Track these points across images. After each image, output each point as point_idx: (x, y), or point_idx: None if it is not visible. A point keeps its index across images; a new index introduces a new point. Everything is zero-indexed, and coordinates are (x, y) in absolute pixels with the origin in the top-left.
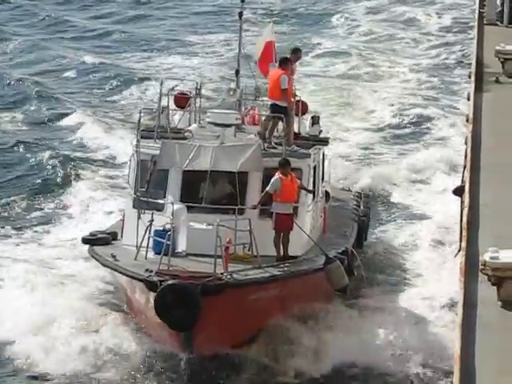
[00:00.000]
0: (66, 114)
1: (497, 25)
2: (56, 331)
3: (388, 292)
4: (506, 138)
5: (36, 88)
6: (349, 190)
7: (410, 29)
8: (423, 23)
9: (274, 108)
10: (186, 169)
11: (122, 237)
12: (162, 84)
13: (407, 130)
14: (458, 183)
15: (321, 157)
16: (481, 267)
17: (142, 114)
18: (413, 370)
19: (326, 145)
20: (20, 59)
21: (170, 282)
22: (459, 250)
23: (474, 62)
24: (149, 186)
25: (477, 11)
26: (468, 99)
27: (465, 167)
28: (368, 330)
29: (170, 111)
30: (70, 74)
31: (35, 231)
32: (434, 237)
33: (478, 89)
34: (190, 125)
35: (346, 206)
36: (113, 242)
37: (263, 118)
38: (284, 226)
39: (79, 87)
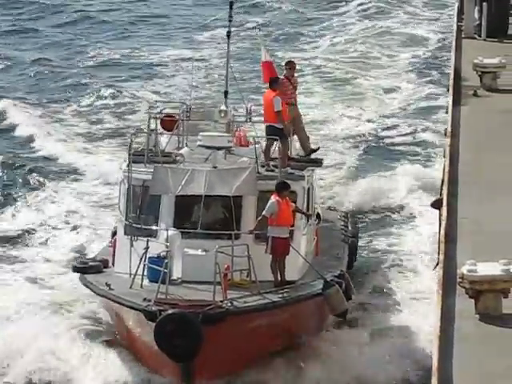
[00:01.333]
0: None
1: (475, 38)
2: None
3: (378, 312)
4: (483, 151)
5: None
6: (335, 210)
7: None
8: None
9: (270, 130)
10: (180, 194)
11: (113, 264)
12: (150, 107)
13: (387, 145)
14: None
15: (314, 178)
16: (458, 280)
17: (132, 138)
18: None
19: (320, 166)
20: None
21: (169, 311)
22: (437, 264)
23: (451, 75)
24: (140, 211)
25: (455, 25)
26: (446, 112)
27: (443, 180)
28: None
29: (159, 134)
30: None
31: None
32: (420, 252)
33: (456, 102)
34: (177, 147)
35: (334, 226)
36: (104, 269)
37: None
38: (281, 250)
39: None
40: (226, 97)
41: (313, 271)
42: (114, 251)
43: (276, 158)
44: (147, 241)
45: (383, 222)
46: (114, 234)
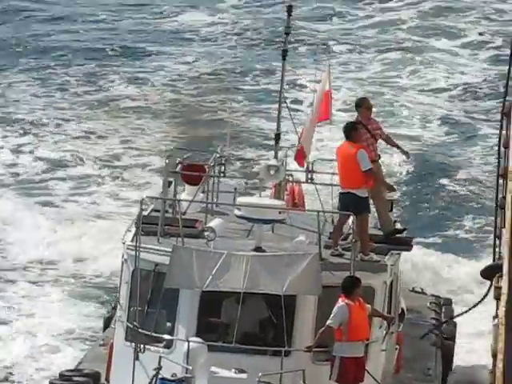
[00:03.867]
0: None
1: None
2: None
3: None
4: None
5: None
6: (423, 293)
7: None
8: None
9: (349, 199)
10: (209, 289)
11: (107, 380)
12: (168, 157)
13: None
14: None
15: (399, 267)
16: None
17: (144, 204)
18: None
19: (409, 250)
20: None
21: None
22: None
23: None
24: (149, 308)
25: None
26: (505, 147)
27: (496, 237)
28: None
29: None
30: None
31: None
32: None
33: None
34: (205, 211)
35: (423, 319)
36: None
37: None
38: (353, 376)
39: None
40: (277, 142)
41: None
42: (110, 362)
43: (348, 236)
44: (159, 358)
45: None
46: (107, 326)
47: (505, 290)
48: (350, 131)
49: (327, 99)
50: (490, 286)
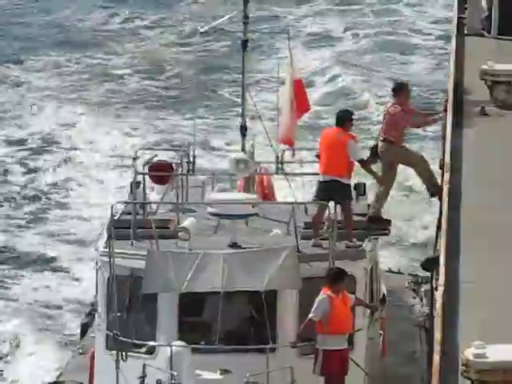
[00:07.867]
0: None
1: (482, 35)
2: None
3: None
4: (494, 190)
5: None
6: (399, 273)
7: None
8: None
9: (334, 186)
10: (187, 291)
11: None
12: (136, 158)
13: None
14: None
15: (378, 252)
16: (461, 368)
17: (115, 210)
18: None
19: (387, 234)
20: None
21: None
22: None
23: (451, 86)
24: (128, 315)
25: (455, 17)
26: (443, 138)
27: (438, 231)
28: None
29: (148, 191)
30: None
31: None
32: None
33: (458, 124)
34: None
35: (402, 301)
36: None
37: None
38: (337, 368)
39: None
40: (244, 135)
41: None
42: (92, 372)
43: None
44: (144, 365)
45: None
46: (84, 332)
47: (441, 282)
48: (345, 120)
49: (301, 89)
50: (431, 277)
